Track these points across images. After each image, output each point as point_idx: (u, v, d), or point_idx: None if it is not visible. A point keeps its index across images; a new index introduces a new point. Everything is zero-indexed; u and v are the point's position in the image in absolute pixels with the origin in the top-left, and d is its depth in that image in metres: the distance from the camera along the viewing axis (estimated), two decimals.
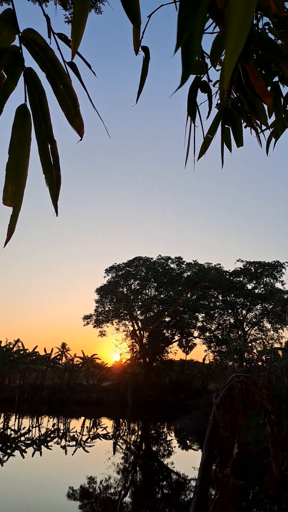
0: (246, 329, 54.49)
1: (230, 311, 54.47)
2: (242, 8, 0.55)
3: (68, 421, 35.98)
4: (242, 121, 1.96)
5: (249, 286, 55.20)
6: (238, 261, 58.71)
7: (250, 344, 51.31)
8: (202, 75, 1.79)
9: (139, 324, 52.95)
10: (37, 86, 1.11)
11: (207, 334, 53.37)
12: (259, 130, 2.13)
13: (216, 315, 53.57)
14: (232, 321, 54.54)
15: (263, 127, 2.20)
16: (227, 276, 55.60)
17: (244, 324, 54.79)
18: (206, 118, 1.82)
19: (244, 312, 55.47)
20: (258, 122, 2.04)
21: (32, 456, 19.43)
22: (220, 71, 1.66)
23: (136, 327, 53.37)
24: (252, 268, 55.66)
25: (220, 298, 54.48)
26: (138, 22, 1.24)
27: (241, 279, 55.71)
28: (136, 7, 1.18)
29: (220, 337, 52.81)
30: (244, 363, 42.12)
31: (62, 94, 1.12)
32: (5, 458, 18.99)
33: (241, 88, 1.62)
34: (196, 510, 2.98)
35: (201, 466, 3.18)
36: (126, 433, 30.65)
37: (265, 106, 1.81)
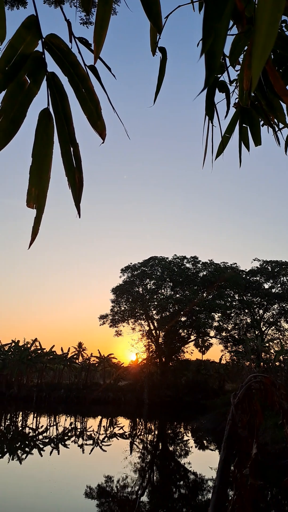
0: (263, 329, 54.01)
1: (246, 310, 54.05)
2: (269, 13, 0.55)
3: (85, 420, 36.19)
4: (260, 120, 1.95)
5: (266, 286, 54.71)
6: (254, 260, 58.35)
7: (267, 344, 50.82)
8: (220, 75, 1.79)
9: (155, 324, 52.93)
10: (59, 90, 1.13)
11: (224, 334, 53.07)
12: (277, 129, 2.12)
13: (232, 314, 53.23)
14: (248, 320, 54.12)
15: (281, 125, 2.19)
16: (244, 276, 55.17)
17: (261, 324, 54.31)
18: (224, 118, 1.82)
19: (261, 311, 54.99)
20: (276, 121, 2.03)
21: (50, 455, 19.61)
22: (240, 71, 1.66)
23: (152, 327, 53.38)
24: (269, 267, 55.13)
25: (237, 297, 54.09)
26: (159, 25, 1.25)
27: (258, 278, 55.23)
28: (158, 9, 1.19)
29: (236, 337, 52.46)
30: (262, 363, 41.77)
31: (84, 98, 1.14)
32: (24, 456, 19.21)
33: (259, 87, 1.62)
34: (214, 511, 2.97)
35: (219, 466, 3.17)
36: (142, 433, 30.69)
37: (283, 105, 1.80)
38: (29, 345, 51.79)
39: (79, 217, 1.11)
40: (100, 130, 1.13)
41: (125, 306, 53.52)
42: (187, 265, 54.98)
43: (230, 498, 3.05)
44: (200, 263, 54.95)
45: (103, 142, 1.13)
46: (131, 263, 55.76)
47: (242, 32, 1.49)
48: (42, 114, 1.13)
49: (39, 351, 51.77)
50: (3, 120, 1.07)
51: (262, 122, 2.02)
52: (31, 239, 1.08)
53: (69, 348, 55.48)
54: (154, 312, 52.77)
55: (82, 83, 1.13)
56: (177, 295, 52.09)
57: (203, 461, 20.19)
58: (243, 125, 1.96)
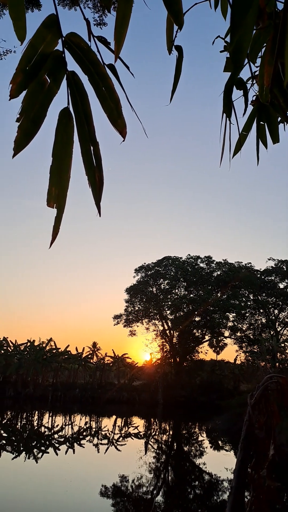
0: (278, 329, 53.49)
1: (261, 310, 53.58)
2: None
3: (100, 419, 36.32)
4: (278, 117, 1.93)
5: (281, 285, 54.17)
6: (269, 259, 57.71)
7: (282, 345, 50.34)
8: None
9: (169, 324, 52.86)
10: (79, 89, 1.13)
11: (238, 334, 52.73)
12: None
13: (247, 314, 52.83)
14: (264, 321, 53.66)
15: None
16: (258, 275, 54.70)
17: (277, 324, 53.80)
18: (242, 115, 1.80)
19: (276, 311, 54.46)
20: None
21: (66, 454, 19.73)
22: (260, 67, 1.64)
23: (166, 327, 53.32)
24: (284, 266, 54.58)
25: (251, 297, 53.66)
26: (180, 21, 1.24)
27: (273, 278, 54.71)
28: (179, 6, 1.18)
29: (251, 337, 52.06)
30: (277, 364, 41.39)
31: (104, 96, 1.13)
32: (40, 455, 19.36)
33: (277, 84, 1.60)
34: (232, 511, 2.95)
35: (236, 467, 3.14)
36: (157, 433, 30.67)
37: None
38: (44, 345, 52.21)
39: (100, 216, 1.11)
40: (121, 128, 1.12)
41: (139, 306, 53.56)
42: (201, 264, 54.78)
43: (247, 499, 3.02)
44: (214, 262, 54.70)
45: (123, 140, 1.13)
46: (144, 263, 55.80)
47: (263, 27, 1.47)
48: (62, 114, 1.13)
49: (54, 351, 52.15)
50: (24, 120, 1.07)
51: (279, 119, 2.00)
52: (52, 239, 1.08)
53: (84, 348, 55.81)
54: (168, 312, 52.71)
55: (102, 81, 1.12)
56: (191, 295, 51.93)
57: (218, 462, 20.09)
58: (261, 122, 1.94)
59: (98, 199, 1.13)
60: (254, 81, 2.19)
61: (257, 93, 1.86)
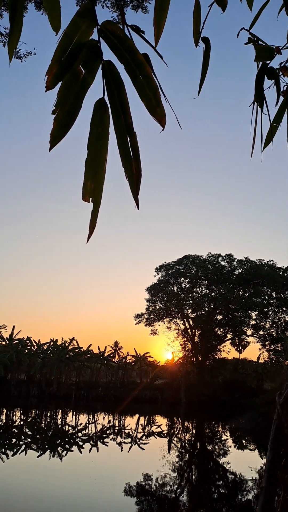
0: None
1: (285, 308, 52.78)
2: None
3: (123, 418, 36.47)
4: None
5: None
6: None
7: None
8: (269, 61, 1.73)
9: (190, 323, 52.65)
10: (115, 78, 1.11)
11: (261, 332, 52.11)
12: None
13: (270, 312, 52.14)
14: (287, 319, 52.88)
15: None
16: (281, 273, 53.88)
17: None
18: (275, 105, 1.75)
19: None
20: None
21: (89, 452, 19.88)
22: None
23: (187, 326, 53.14)
24: None
25: (274, 295, 52.91)
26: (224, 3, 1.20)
27: None
28: None
29: (275, 335, 51.36)
30: None
31: (142, 85, 1.11)
32: (64, 453, 19.56)
33: None
34: (263, 511, 2.90)
35: (266, 467, 3.08)
36: (180, 432, 30.61)
37: None
38: (67, 344, 52.70)
39: (138, 208, 1.10)
40: (160, 118, 1.10)
41: (160, 305, 53.50)
42: (222, 263, 54.33)
43: (278, 499, 2.97)
44: (236, 260, 54.17)
45: (163, 130, 1.11)
46: (165, 262, 55.67)
47: None
48: (97, 105, 1.11)
49: (76, 350, 52.58)
50: (59, 112, 1.06)
51: None
52: (89, 233, 1.07)
53: (106, 347, 56.06)
54: (189, 310, 52.49)
55: (140, 69, 1.10)
56: (212, 294, 51.59)
57: (242, 461, 19.91)
58: None
59: (137, 192, 1.11)
60: (280, 73, 2.14)
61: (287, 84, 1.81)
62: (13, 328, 51.71)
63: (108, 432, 26.66)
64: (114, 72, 1.08)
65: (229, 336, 53.70)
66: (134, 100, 1.10)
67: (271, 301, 52.27)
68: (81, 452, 19.68)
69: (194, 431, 31.38)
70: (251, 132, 1.69)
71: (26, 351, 50.66)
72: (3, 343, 51.39)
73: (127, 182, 1.12)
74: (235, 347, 56.59)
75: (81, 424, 29.98)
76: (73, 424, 29.87)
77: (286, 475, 3.10)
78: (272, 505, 2.84)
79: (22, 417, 32.78)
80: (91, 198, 1.09)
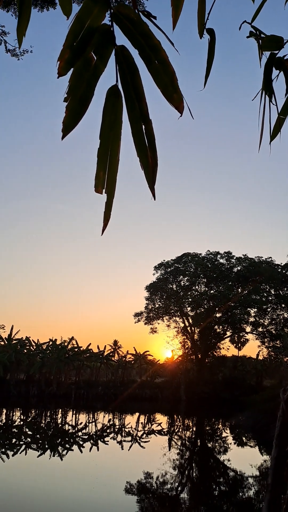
0: None
1: (283, 305, 52.88)
2: None
3: (123, 416, 36.48)
4: None
5: None
6: None
7: None
8: (277, 51, 1.70)
9: (190, 321, 52.69)
10: (129, 64, 1.07)
11: (260, 329, 52.21)
12: None
13: (269, 309, 52.25)
14: (286, 315, 52.97)
15: None
16: (279, 270, 53.97)
17: None
18: (285, 95, 1.72)
19: None
20: None
21: (90, 451, 19.87)
22: None
23: (187, 324, 53.18)
24: None
25: (273, 292, 53.01)
26: None
27: None
28: None
29: (274, 332, 51.48)
30: None
31: (158, 70, 1.07)
32: (65, 453, 19.54)
33: None
34: (269, 509, 2.88)
35: (271, 464, 3.08)
36: (181, 429, 30.64)
37: None
38: (66, 344, 52.65)
39: (154, 199, 1.07)
40: (177, 104, 1.06)
41: (159, 303, 53.52)
42: (221, 260, 54.36)
43: (284, 496, 2.96)
44: (234, 258, 54.21)
45: (181, 116, 1.08)
46: (164, 260, 55.67)
47: None
48: (110, 92, 1.08)
49: (76, 349, 52.53)
50: (71, 100, 1.03)
51: None
52: (104, 225, 1.04)
53: (105, 346, 56.03)
54: (189, 308, 52.54)
55: (155, 54, 1.06)
56: (212, 291, 51.64)
57: (242, 458, 19.94)
58: None
59: (153, 182, 1.07)
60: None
61: None
62: (12, 328, 51.62)
63: (108, 431, 26.67)
64: (128, 58, 1.05)
65: (228, 333, 53.79)
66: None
67: (270, 298, 52.38)
68: (81, 452, 19.67)
69: (194, 429, 31.42)
70: (259, 124, 1.66)
71: (25, 351, 50.60)
72: (2, 343, 51.29)
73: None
74: (234, 345, 56.68)
75: (81, 423, 29.97)
76: (73, 423, 29.86)
77: None
78: (278, 502, 2.83)
79: (22, 417, 32.75)
80: (104, 190, 1.06)
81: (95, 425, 29.34)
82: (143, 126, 1.06)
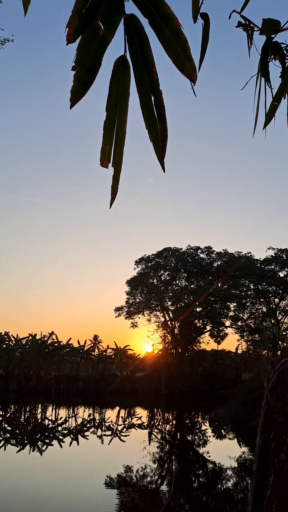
0: (279, 318, 53.70)
1: (262, 299, 53.72)
2: None
3: (103, 411, 36.51)
4: None
5: (281, 274, 54.25)
6: (269, 249, 57.49)
7: (284, 333, 50.59)
8: (273, 35, 1.69)
9: (170, 315, 53.02)
10: (139, 33, 1.04)
11: (239, 323, 52.95)
12: None
13: (248, 304, 53.00)
14: (264, 309, 53.84)
15: None
16: (258, 265, 54.77)
17: (277, 312, 53.99)
18: (279, 77, 1.71)
19: (276, 300, 54.63)
20: None
21: (70, 446, 19.82)
22: None
23: (167, 318, 53.49)
24: (283, 255, 54.62)
25: (252, 287, 53.78)
26: None
27: (273, 267, 54.79)
28: None
29: (252, 326, 52.29)
30: (279, 352, 41.58)
31: (169, 40, 1.03)
32: (44, 447, 19.44)
33: None
34: (254, 496, 2.93)
35: (256, 451, 3.12)
36: (161, 423, 30.84)
37: None
38: (46, 339, 52.30)
39: (164, 171, 1.04)
40: (190, 73, 1.03)
41: (140, 297, 53.65)
42: (201, 255, 54.78)
43: (268, 483, 3.01)
44: (214, 253, 54.70)
45: (194, 85, 1.05)
46: (145, 255, 55.77)
47: None
48: (117, 63, 1.05)
49: (56, 344, 52.25)
50: (79, 69, 1.00)
51: None
52: (111, 199, 1.01)
53: (86, 340, 55.90)
54: (169, 303, 52.83)
55: (166, 23, 1.02)
56: (192, 286, 52.02)
57: (222, 450, 20.22)
58: None
59: (162, 155, 1.04)
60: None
61: None
62: None
63: (88, 425, 26.64)
64: (137, 27, 1.02)
65: (208, 327, 54.34)
66: None
67: (249, 293, 53.11)
68: (61, 446, 19.61)
69: (174, 422, 31.68)
70: (254, 109, 1.66)
71: (4, 346, 50.06)
72: None
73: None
74: (214, 339, 57.33)
75: (61, 418, 29.85)
76: (53, 418, 29.73)
77: (276, 459, 3.14)
78: (263, 489, 2.88)
79: (1, 413, 32.43)
80: (110, 164, 1.03)
81: (75, 420, 29.27)
82: (152, 97, 1.04)
